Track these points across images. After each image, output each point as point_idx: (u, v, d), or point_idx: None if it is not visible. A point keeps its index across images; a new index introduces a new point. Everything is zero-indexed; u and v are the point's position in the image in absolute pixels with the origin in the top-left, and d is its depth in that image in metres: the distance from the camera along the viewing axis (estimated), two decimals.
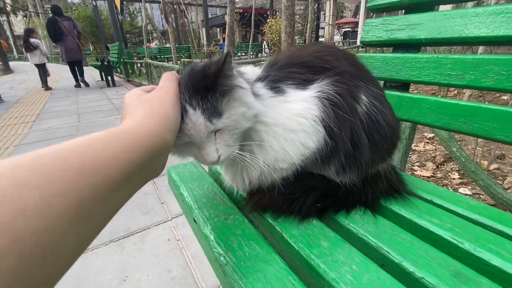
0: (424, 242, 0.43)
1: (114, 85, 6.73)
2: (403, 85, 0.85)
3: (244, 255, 0.40)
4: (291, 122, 0.48)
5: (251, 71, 0.53)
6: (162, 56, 11.06)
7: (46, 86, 6.64)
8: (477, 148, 2.19)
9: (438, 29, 0.74)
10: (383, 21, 0.88)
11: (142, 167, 0.32)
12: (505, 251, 0.41)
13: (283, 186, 0.52)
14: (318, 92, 0.48)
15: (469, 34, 0.68)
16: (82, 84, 6.65)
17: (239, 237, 0.44)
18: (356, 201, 0.53)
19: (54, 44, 6.59)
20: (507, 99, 2.94)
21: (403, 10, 0.87)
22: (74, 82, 6.67)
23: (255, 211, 0.51)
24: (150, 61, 6.10)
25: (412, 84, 0.86)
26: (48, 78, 6.74)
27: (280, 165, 0.49)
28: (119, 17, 9.87)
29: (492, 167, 2.04)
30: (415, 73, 0.78)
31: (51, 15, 5.71)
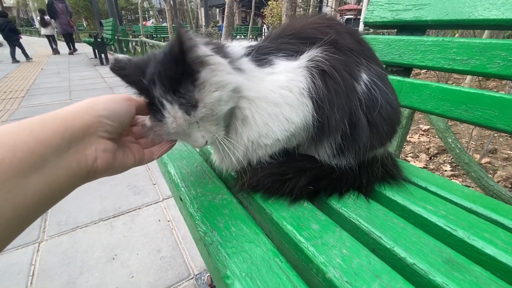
0: (417, 228, 0.42)
1: (107, 63, 6.52)
2: (405, 70, 0.82)
3: (230, 235, 0.38)
4: (274, 95, 0.45)
5: (239, 45, 0.49)
6: (158, 36, 10.69)
7: (55, 52, 8.57)
8: (471, 141, 2.20)
9: (446, 10, 0.70)
10: (389, 0, 0.83)
11: (58, 152, 0.29)
12: (499, 240, 0.40)
13: (275, 166, 0.50)
14: (307, 61, 0.45)
15: (478, 17, 0.64)
16: (72, 52, 8.70)
17: (226, 216, 0.42)
18: (350, 185, 0.51)
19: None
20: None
21: None
22: (66, 53, 8.61)
23: (244, 191, 0.48)
24: (145, 39, 5.90)
25: (412, 71, 0.83)
26: (40, 51, 8.28)
27: (264, 141, 0.47)
28: None
29: (483, 160, 2.06)
30: (418, 57, 0.75)
31: None
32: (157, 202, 1.48)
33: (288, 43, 0.48)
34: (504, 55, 0.60)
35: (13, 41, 6.70)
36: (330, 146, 0.49)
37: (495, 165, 2.05)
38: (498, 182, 1.82)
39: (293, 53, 0.47)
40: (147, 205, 1.46)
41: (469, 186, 1.79)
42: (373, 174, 0.53)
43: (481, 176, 1.19)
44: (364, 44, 0.52)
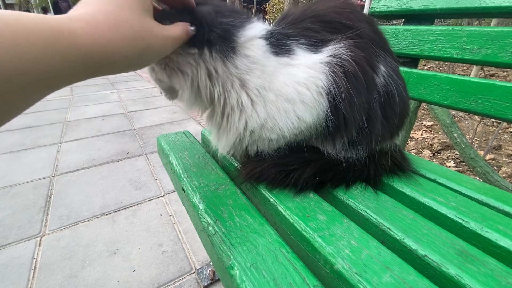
0: (428, 220, 0.41)
1: None
2: (412, 61, 0.80)
3: (235, 225, 0.37)
4: (288, 90, 0.42)
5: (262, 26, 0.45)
6: None
7: None
8: (475, 138, 2.17)
9: None
10: None
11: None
12: None
13: (279, 157, 0.48)
14: (331, 56, 0.42)
15: (490, 4, 0.62)
16: None
17: (230, 207, 0.41)
18: (357, 177, 0.49)
19: None
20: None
21: None
22: None
23: (248, 181, 0.47)
24: None
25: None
26: None
27: (267, 134, 0.45)
28: None
29: (488, 157, 2.04)
30: (426, 47, 0.73)
31: None
32: (158, 197, 1.47)
33: (310, 28, 0.44)
34: None
35: None
36: (341, 141, 0.47)
37: (500, 161, 2.02)
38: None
39: (317, 42, 0.43)
40: (148, 200, 1.45)
41: None
42: (381, 166, 0.51)
43: (487, 172, 1.17)
44: (381, 35, 0.50)
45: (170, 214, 1.35)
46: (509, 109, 0.59)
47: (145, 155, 1.96)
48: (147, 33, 0.29)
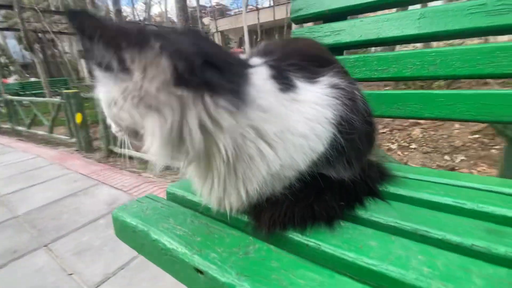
0: (450, 214, 0.43)
1: None
2: None
3: None
4: (302, 126, 0.41)
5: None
6: (27, 93, 8.81)
7: None
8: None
9: (358, 33, 0.85)
10: (309, 29, 0.96)
11: None
12: None
13: (291, 193, 0.43)
14: (332, 88, 0.44)
15: (384, 36, 0.81)
16: None
17: (281, 271, 0.32)
18: (362, 193, 0.49)
19: None
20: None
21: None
22: None
23: (272, 232, 0.39)
24: (12, 97, 4.75)
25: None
26: None
27: (286, 173, 0.42)
28: None
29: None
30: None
31: None
32: None
33: (299, 63, 0.45)
34: (413, 61, 0.76)
35: None
36: (342, 162, 0.47)
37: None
38: None
39: (310, 74, 0.45)
40: None
41: None
42: (374, 177, 0.53)
43: None
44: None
45: None
46: (424, 109, 0.76)
47: (45, 246, 1.45)
48: None
